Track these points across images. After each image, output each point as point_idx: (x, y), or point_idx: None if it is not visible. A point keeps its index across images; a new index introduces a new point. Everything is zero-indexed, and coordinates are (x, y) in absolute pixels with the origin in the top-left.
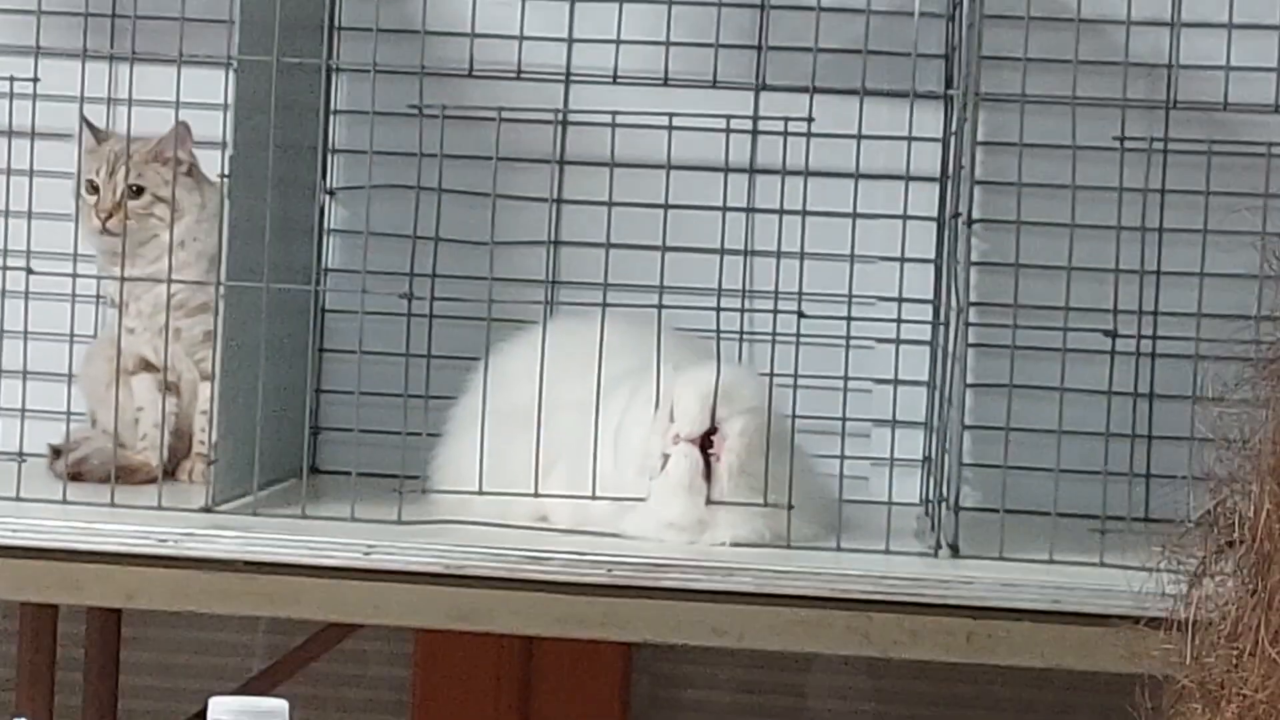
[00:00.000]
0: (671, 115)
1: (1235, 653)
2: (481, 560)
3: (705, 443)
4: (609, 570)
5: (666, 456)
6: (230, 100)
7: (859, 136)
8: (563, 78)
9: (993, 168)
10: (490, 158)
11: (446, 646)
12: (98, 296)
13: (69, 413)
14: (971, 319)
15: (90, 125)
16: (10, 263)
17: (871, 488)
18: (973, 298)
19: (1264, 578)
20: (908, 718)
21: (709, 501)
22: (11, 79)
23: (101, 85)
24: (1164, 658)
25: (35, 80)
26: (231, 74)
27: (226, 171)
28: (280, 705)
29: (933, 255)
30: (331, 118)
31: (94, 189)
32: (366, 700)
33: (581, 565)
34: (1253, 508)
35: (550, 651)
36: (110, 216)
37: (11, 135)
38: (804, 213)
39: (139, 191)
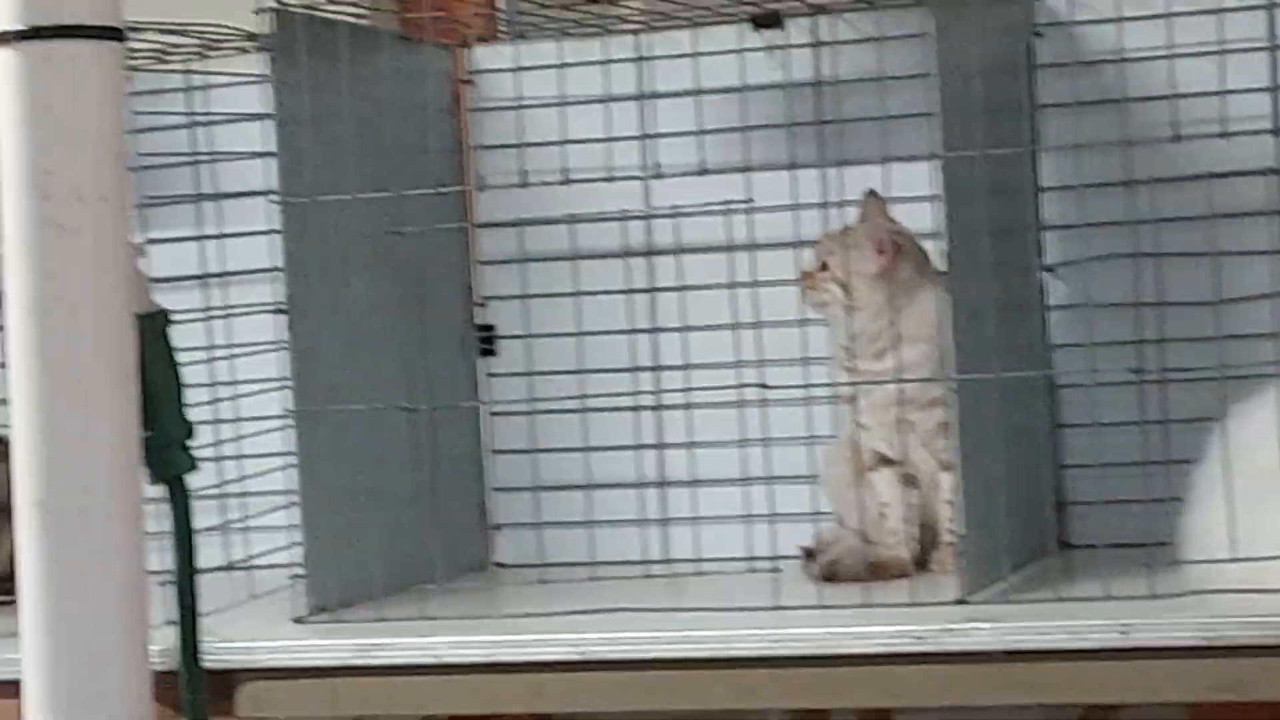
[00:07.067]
0: None
1: None
2: (1241, 630)
3: None
4: None
5: None
6: (939, 192)
7: None
8: None
9: None
10: (1206, 217)
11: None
12: (833, 398)
13: (816, 514)
14: None
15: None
16: (745, 375)
17: None
18: None
19: None
20: None
21: None
22: (727, 201)
23: (813, 190)
24: None
25: (749, 202)
26: (938, 167)
27: (945, 265)
28: None
29: None
30: (1039, 195)
31: (823, 268)
32: None
33: None
34: None
35: None
36: (801, 284)
37: (732, 250)
38: None
39: (824, 267)
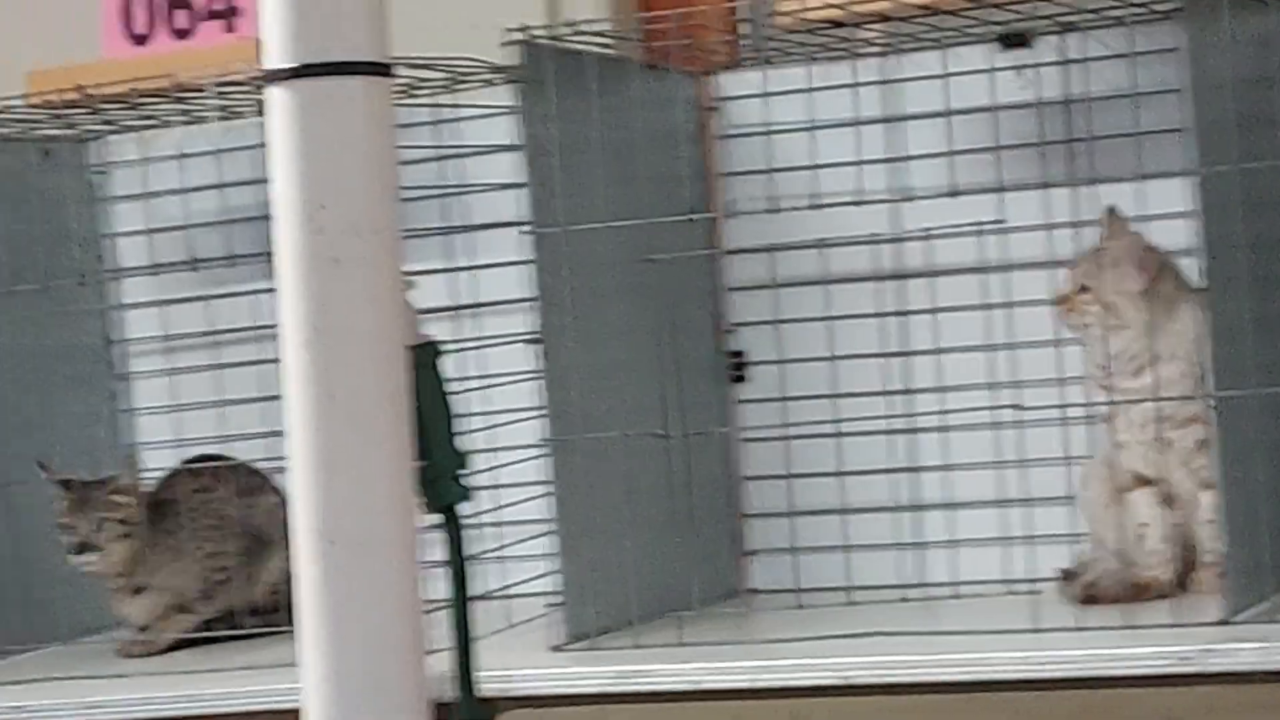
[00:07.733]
0: None
1: None
2: None
3: None
4: None
5: None
6: (1196, 208)
7: None
8: None
9: None
10: None
11: None
12: (1089, 417)
13: (1074, 535)
14: None
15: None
16: (1000, 396)
17: None
18: None
19: None
20: None
21: None
22: (979, 223)
23: (1065, 209)
24: None
25: (1000, 222)
26: (1194, 183)
27: (1204, 282)
28: None
29: None
30: None
31: (1083, 289)
32: None
33: None
34: None
35: None
36: (1059, 306)
37: (987, 271)
38: None
39: (1085, 289)
